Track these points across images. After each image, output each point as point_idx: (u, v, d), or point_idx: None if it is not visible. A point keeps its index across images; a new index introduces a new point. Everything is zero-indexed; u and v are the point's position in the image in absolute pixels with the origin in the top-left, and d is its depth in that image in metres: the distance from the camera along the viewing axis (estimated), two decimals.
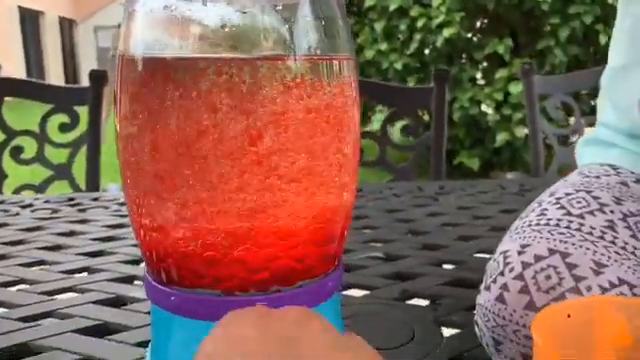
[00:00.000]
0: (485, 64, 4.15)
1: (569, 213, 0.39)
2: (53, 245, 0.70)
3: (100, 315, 0.50)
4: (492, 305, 0.36)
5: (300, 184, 0.28)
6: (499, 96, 3.88)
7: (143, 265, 0.37)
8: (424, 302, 0.54)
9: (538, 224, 0.39)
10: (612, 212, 0.39)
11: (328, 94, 0.29)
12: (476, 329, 0.40)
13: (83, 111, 1.29)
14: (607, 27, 3.67)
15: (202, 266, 0.29)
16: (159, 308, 0.31)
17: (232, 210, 0.27)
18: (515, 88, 3.74)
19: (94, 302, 0.53)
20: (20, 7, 11.42)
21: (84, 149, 1.29)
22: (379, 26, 4.15)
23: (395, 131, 1.67)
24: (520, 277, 0.35)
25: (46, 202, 0.93)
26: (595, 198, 0.40)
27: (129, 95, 0.29)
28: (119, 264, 0.63)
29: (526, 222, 0.41)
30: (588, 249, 0.35)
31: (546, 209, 0.41)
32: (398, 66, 4.09)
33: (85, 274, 0.61)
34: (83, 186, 1.28)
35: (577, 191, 0.42)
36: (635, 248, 0.36)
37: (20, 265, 0.63)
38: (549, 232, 0.38)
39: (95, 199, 0.95)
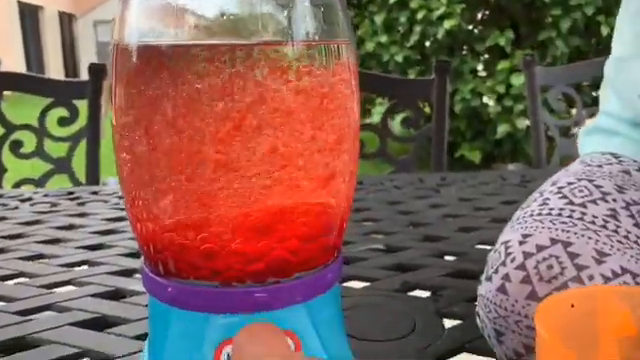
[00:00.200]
0: (486, 56, 4.14)
1: (571, 202, 0.39)
2: (52, 238, 0.70)
3: (99, 308, 0.49)
4: (494, 296, 0.36)
5: (298, 174, 0.27)
6: (501, 88, 3.87)
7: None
8: (425, 293, 0.54)
9: (540, 214, 0.39)
10: (614, 201, 0.38)
11: (327, 80, 0.28)
12: (477, 320, 0.39)
13: (82, 105, 1.28)
14: (609, 18, 3.65)
15: (199, 258, 0.28)
16: (156, 300, 0.31)
17: (228, 201, 0.27)
18: (516, 80, 3.73)
19: (93, 295, 0.52)
20: (19, 2, 11.40)
21: (84, 143, 1.29)
22: (379, 18, 4.13)
23: (395, 123, 1.67)
24: (522, 267, 0.35)
25: (45, 196, 0.93)
26: (597, 187, 0.40)
27: (124, 85, 0.28)
28: (118, 257, 0.63)
29: (527, 212, 0.40)
30: (590, 238, 0.35)
31: (548, 199, 0.41)
32: (399, 58, 4.08)
33: (84, 267, 0.60)
34: (83, 180, 1.28)
35: (579, 180, 0.41)
36: (638, 237, 0.36)
37: (19, 259, 0.62)
38: (551, 222, 0.37)
39: (94, 193, 0.95)
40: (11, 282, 0.56)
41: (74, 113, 1.26)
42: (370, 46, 4.17)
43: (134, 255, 0.63)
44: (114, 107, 0.29)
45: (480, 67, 4.16)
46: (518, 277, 0.35)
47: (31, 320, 0.47)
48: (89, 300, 0.51)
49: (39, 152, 1.27)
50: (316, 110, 0.28)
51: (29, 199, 0.90)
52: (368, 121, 2.88)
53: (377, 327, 0.46)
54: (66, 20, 14.07)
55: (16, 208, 0.85)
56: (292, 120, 0.27)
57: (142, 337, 0.43)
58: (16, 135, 1.26)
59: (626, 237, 0.36)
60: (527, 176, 1.02)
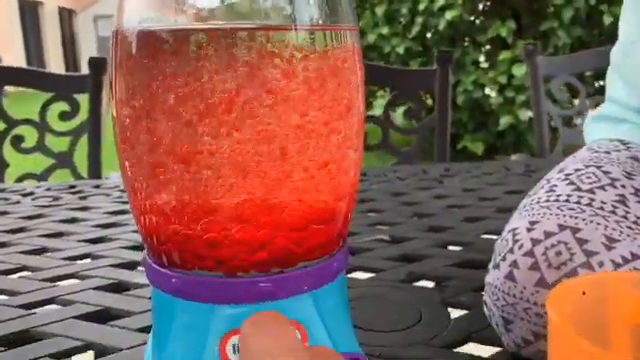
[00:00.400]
0: (488, 47, 4.12)
1: (579, 189, 0.38)
2: (55, 232, 0.69)
3: (102, 301, 0.49)
4: (502, 283, 0.35)
5: (302, 162, 0.27)
6: (503, 79, 3.85)
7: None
8: (431, 284, 0.53)
9: (547, 200, 0.38)
10: (623, 187, 0.38)
11: (333, 66, 0.27)
12: (485, 309, 0.39)
13: (83, 99, 1.28)
14: (611, 7, 3.62)
15: (202, 247, 0.28)
16: (160, 291, 0.30)
17: (230, 189, 0.26)
18: (518, 70, 3.71)
19: (96, 288, 0.52)
20: None
21: (85, 137, 1.29)
22: (380, 10, 4.11)
23: (398, 115, 1.66)
24: (530, 254, 0.34)
25: (47, 190, 0.93)
26: (605, 173, 0.39)
27: (124, 73, 0.28)
28: (121, 250, 0.62)
29: (535, 199, 0.40)
30: (599, 224, 0.34)
31: (555, 185, 0.40)
32: (400, 50, 4.06)
33: (87, 260, 0.60)
34: (85, 174, 1.27)
35: (587, 167, 0.41)
36: None
37: (21, 252, 0.62)
38: (559, 208, 0.37)
39: (96, 186, 0.94)
40: (14, 276, 0.56)
41: (75, 107, 1.25)
42: (371, 38, 4.15)
43: (137, 248, 0.63)
44: (114, 97, 0.28)
45: (482, 58, 4.14)
46: (526, 264, 0.34)
47: (34, 313, 0.47)
48: (92, 293, 0.51)
49: (40, 147, 1.27)
50: (321, 97, 0.27)
51: (31, 193, 0.90)
52: (370, 113, 2.86)
53: (383, 318, 0.46)
54: (66, 16, 14.04)
55: (18, 202, 0.84)
56: (296, 108, 0.26)
57: (146, 330, 0.43)
58: (17, 130, 1.25)
59: (635, 223, 0.35)
60: (531, 166, 1.01)
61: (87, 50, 13.58)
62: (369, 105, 4.04)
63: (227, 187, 0.26)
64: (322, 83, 0.27)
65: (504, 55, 3.86)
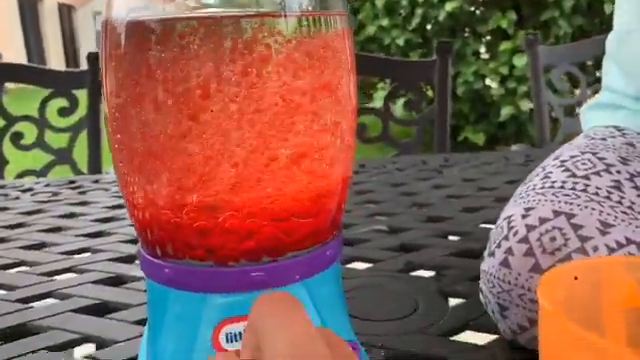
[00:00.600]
0: (489, 38, 4.10)
1: (574, 175, 0.38)
2: (53, 227, 0.69)
3: (100, 294, 0.49)
4: (497, 270, 0.35)
5: (291, 151, 0.27)
6: (504, 70, 3.83)
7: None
8: (429, 273, 0.53)
9: (542, 187, 0.38)
10: (618, 172, 0.37)
11: (319, 53, 0.27)
12: (481, 297, 0.39)
13: (82, 94, 1.28)
14: None
15: (193, 236, 0.28)
16: (153, 282, 0.30)
17: (220, 179, 0.26)
18: (519, 61, 3.69)
19: (94, 282, 0.52)
20: None
21: (85, 133, 1.29)
22: (380, 2, 4.09)
23: (398, 107, 1.65)
24: (525, 240, 0.34)
25: (46, 186, 0.93)
26: (601, 159, 0.39)
27: (114, 63, 0.28)
28: (119, 244, 0.62)
29: (530, 186, 0.40)
30: (594, 209, 0.34)
31: (550, 172, 0.40)
32: (400, 42, 4.05)
33: (85, 255, 0.60)
34: (85, 170, 1.27)
35: (582, 153, 0.41)
36: None
37: (20, 248, 0.62)
38: (553, 194, 0.36)
39: (95, 181, 0.94)
40: (12, 271, 0.56)
41: (74, 103, 1.25)
42: (371, 30, 4.13)
43: (135, 242, 0.63)
44: (105, 89, 0.28)
45: (482, 49, 4.12)
46: (521, 250, 0.34)
47: (32, 307, 0.47)
48: (90, 287, 0.51)
49: (40, 143, 1.27)
50: (310, 83, 0.27)
51: (30, 189, 0.90)
52: (371, 106, 2.86)
53: (380, 307, 0.46)
54: (65, 12, 14.03)
55: (17, 198, 0.84)
56: (285, 95, 0.26)
57: (143, 322, 0.43)
58: (17, 127, 1.25)
59: (630, 208, 0.35)
60: (531, 156, 1.01)
61: (87, 46, 13.57)
62: (369, 97, 4.03)
63: (214, 176, 0.26)
64: (311, 70, 0.27)
65: (505, 46, 3.84)
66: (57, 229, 0.69)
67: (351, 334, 0.32)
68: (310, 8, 0.27)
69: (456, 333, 0.41)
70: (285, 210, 0.28)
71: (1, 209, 0.79)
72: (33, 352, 0.39)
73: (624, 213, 0.34)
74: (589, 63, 2.69)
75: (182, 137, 0.26)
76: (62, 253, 0.60)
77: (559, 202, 0.35)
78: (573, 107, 1.55)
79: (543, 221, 0.34)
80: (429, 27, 4.11)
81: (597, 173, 0.38)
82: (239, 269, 0.28)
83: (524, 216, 0.36)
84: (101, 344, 0.41)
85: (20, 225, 0.71)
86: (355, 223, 0.67)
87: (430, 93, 1.35)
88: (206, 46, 0.25)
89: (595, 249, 0.32)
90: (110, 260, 0.57)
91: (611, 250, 0.32)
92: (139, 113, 0.27)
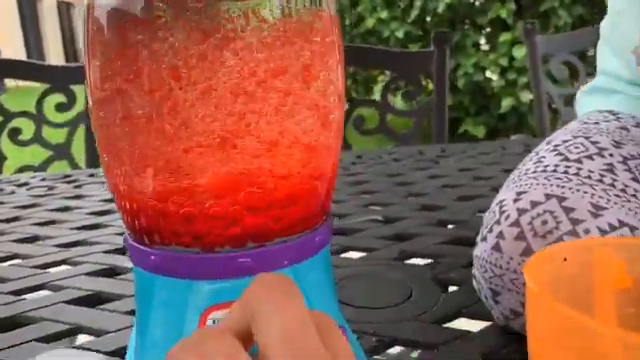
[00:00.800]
0: (488, 29, 4.08)
1: (566, 159, 0.38)
2: (48, 220, 0.69)
3: (93, 286, 0.49)
4: (489, 255, 0.35)
5: (275, 140, 0.26)
6: (503, 61, 3.82)
7: None
8: (423, 262, 0.53)
9: (535, 171, 0.38)
10: (611, 155, 0.37)
11: (305, 37, 0.27)
12: (474, 282, 0.39)
13: (80, 90, 1.27)
14: None
15: (179, 223, 0.27)
16: (141, 270, 0.30)
17: (204, 165, 0.26)
18: (519, 52, 3.68)
19: (87, 274, 0.52)
20: None
21: (82, 128, 1.28)
22: None
23: (397, 97, 1.65)
24: (516, 224, 0.34)
25: (42, 180, 0.92)
26: (594, 143, 0.39)
27: (97, 53, 0.27)
28: (114, 236, 0.62)
29: (522, 171, 0.39)
30: (586, 192, 0.34)
31: (543, 157, 0.39)
32: (399, 34, 4.03)
33: (79, 247, 0.60)
34: (83, 165, 1.27)
35: (575, 137, 0.40)
36: (636, 190, 0.35)
37: (14, 241, 0.62)
38: (546, 178, 0.36)
39: (91, 175, 0.94)
40: (5, 264, 0.56)
41: (71, 98, 1.25)
42: (370, 22, 4.12)
43: None
44: (88, 79, 0.28)
45: (482, 40, 4.11)
46: (512, 234, 0.34)
47: (24, 299, 0.47)
48: (83, 278, 0.51)
49: (38, 139, 1.26)
50: (295, 66, 0.26)
51: (26, 184, 0.90)
52: (372, 98, 2.85)
53: (374, 295, 0.45)
54: (64, 9, 14.01)
55: (12, 193, 0.84)
56: (270, 80, 0.26)
57: (135, 312, 0.43)
58: (14, 123, 1.25)
59: (623, 191, 0.34)
60: (530, 145, 1.00)
61: None
62: (369, 90, 4.02)
63: (198, 162, 0.26)
64: (295, 52, 0.26)
65: (504, 37, 3.82)
66: (51, 222, 0.69)
67: (341, 319, 0.32)
68: None
69: (449, 320, 0.41)
70: (271, 197, 0.27)
71: None
72: (24, 343, 0.39)
73: (617, 196, 0.34)
74: (590, 53, 2.68)
75: (165, 124, 0.26)
76: (56, 246, 0.60)
77: (551, 185, 0.35)
78: (573, 97, 1.54)
79: (535, 205, 0.34)
80: (428, 19, 4.09)
81: (589, 157, 0.37)
82: (225, 255, 0.28)
83: (516, 200, 0.35)
84: (93, 334, 0.41)
85: (15, 219, 0.71)
86: (350, 213, 0.67)
87: (430, 85, 1.34)
88: (187, 31, 0.25)
89: (587, 232, 0.32)
90: (104, 252, 0.57)
91: (603, 232, 0.32)
92: (122, 98, 0.27)
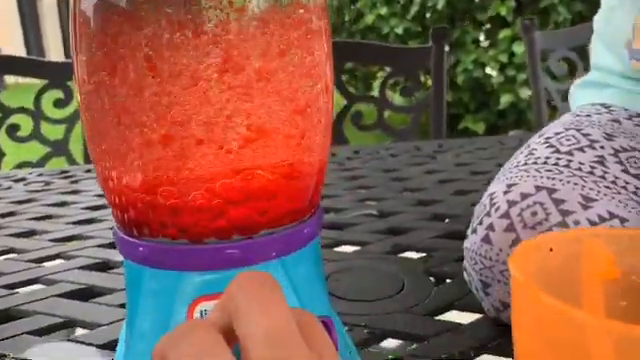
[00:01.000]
0: (488, 25, 4.08)
1: (557, 151, 0.38)
2: (44, 215, 0.69)
3: (86, 279, 0.49)
4: (479, 247, 0.35)
5: (258, 133, 0.26)
6: (503, 57, 3.81)
7: None
8: (416, 255, 0.53)
9: (526, 164, 0.38)
10: (602, 148, 0.37)
11: (292, 27, 0.27)
12: (465, 275, 0.39)
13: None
14: None
15: (165, 214, 0.27)
16: (130, 262, 0.30)
17: (190, 158, 0.26)
18: (519, 48, 3.67)
19: (81, 267, 0.52)
20: None
21: (80, 124, 1.28)
22: None
23: (395, 93, 1.64)
24: (506, 215, 0.34)
25: (39, 175, 0.93)
26: (585, 135, 0.39)
27: (83, 42, 0.27)
28: (108, 231, 0.62)
29: (514, 163, 0.39)
30: (576, 184, 0.34)
31: (535, 149, 0.39)
32: (399, 31, 4.02)
33: (74, 242, 0.60)
34: (81, 161, 1.27)
35: (567, 130, 0.40)
36: (627, 182, 0.35)
37: (9, 235, 0.62)
38: (536, 170, 0.36)
39: (88, 171, 0.94)
40: (0, 258, 0.56)
41: (69, 94, 1.25)
42: (370, 19, 4.11)
43: None
44: (76, 72, 0.28)
45: (482, 37, 4.10)
46: (502, 226, 0.34)
47: (17, 293, 0.47)
48: (77, 272, 0.51)
49: (36, 135, 1.26)
50: (280, 57, 0.26)
51: (23, 179, 0.90)
52: (371, 94, 2.84)
53: (366, 288, 0.45)
54: (65, 8, 13.99)
55: (9, 188, 0.84)
56: (254, 71, 0.26)
57: None
58: (12, 119, 1.25)
59: (614, 182, 0.34)
60: (526, 140, 1.00)
61: None
62: (368, 86, 4.01)
63: (183, 154, 0.26)
64: (281, 44, 0.26)
65: (504, 33, 3.81)
66: (48, 217, 0.69)
67: (329, 311, 0.32)
68: None
69: (441, 313, 0.41)
70: (257, 190, 0.27)
71: None
72: (17, 336, 0.39)
73: (607, 188, 0.34)
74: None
75: (150, 116, 0.26)
76: (52, 240, 0.60)
77: (541, 177, 0.35)
78: None
79: (525, 196, 0.34)
80: (428, 15, 4.09)
81: (581, 149, 0.37)
82: (213, 247, 0.28)
83: (506, 192, 0.35)
84: (86, 328, 0.41)
85: (11, 214, 0.71)
86: (345, 208, 0.67)
87: (429, 81, 1.34)
88: (170, 22, 0.25)
89: (577, 223, 0.32)
90: (98, 246, 0.57)
91: (593, 224, 0.32)
92: (108, 91, 0.27)
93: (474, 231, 0.36)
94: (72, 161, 1.28)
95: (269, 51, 0.26)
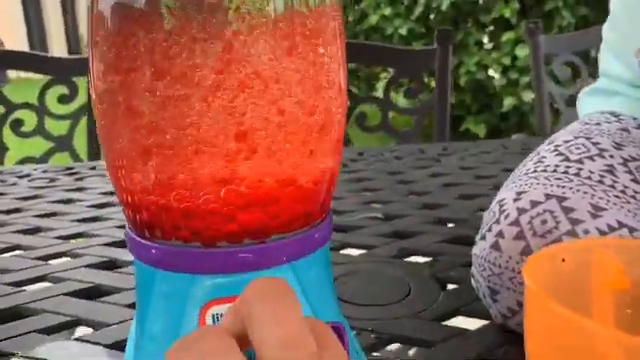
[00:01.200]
0: (492, 28, 4.08)
1: (567, 159, 0.38)
2: (49, 212, 0.69)
3: (93, 278, 0.49)
4: (487, 254, 0.35)
5: (276, 138, 0.26)
6: (506, 60, 3.81)
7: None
8: (422, 259, 0.53)
9: (535, 171, 0.38)
10: (612, 157, 0.37)
11: (305, 34, 0.27)
12: (472, 281, 0.39)
13: (82, 82, 1.28)
14: None
15: (178, 217, 0.27)
16: (141, 263, 0.30)
17: (204, 162, 0.26)
18: (522, 51, 3.67)
19: (87, 266, 0.52)
20: None
21: (84, 120, 1.28)
22: None
23: (399, 95, 1.64)
24: (516, 223, 0.34)
25: (44, 172, 0.93)
26: (595, 144, 0.39)
27: (101, 44, 0.28)
28: (115, 229, 0.62)
29: (523, 171, 0.39)
30: (586, 193, 0.34)
31: (544, 157, 0.40)
32: (403, 31, 4.02)
33: (80, 239, 0.60)
34: (85, 157, 1.27)
35: (576, 138, 0.40)
36: (636, 192, 0.35)
37: (15, 232, 0.62)
38: (546, 178, 0.36)
39: (92, 168, 0.94)
40: (6, 255, 0.56)
41: (74, 90, 1.25)
42: (374, 19, 4.11)
43: None
44: (91, 72, 0.28)
45: (485, 39, 4.10)
46: (512, 233, 0.34)
47: (24, 291, 0.47)
48: (84, 270, 0.51)
49: (40, 130, 1.27)
50: (294, 63, 0.26)
51: (27, 175, 0.90)
52: (375, 95, 2.84)
53: (373, 292, 0.45)
54: (68, 4, 13.99)
55: (14, 184, 0.84)
56: (271, 77, 0.26)
57: (135, 305, 0.43)
58: (16, 114, 1.25)
59: (623, 192, 0.35)
60: (530, 144, 1.00)
61: None
62: (372, 87, 4.01)
63: (197, 158, 0.26)
64: (295, 50, 0.26)
65: (508, 36, 3.81)
66: (53, 214, 0.69)
67: (339, 316, 0.32)
68: None
69: (448, 318, 0.41)
70: (269, 195, 0.27)
71: None
72: (24, 334, 0.39)
73: (616, 197, 0.34)
74: (593, 54, 2.68)
75: (165, 118, 0.26)
76: (57, 238, 0.60)
77: (551, 185, 0.35)
78: (574, 97, 1.54)
79: (534, 204, 0.34)
80: (432, 17, 4.09)
81: (590, 157, 0.37)
82: (226, 250, 0.28)
83: (516, 199, 0.36)
84: (92, 327, 0.41)
85: (16, 210, 0.71)
86: (350, 210, 0.67)
87: (432, 83, 1.34)
88: (192, 27, 0.25)
89: (586, 232, 0.32)
90: (105, 245, 0.57)
91: (602, 233, 0.32)
92: (124, 94, 0.27)
93: (483, 238, 0.36)
94: (76, 157, 1.28)
95: (287, 58, 0.26)
